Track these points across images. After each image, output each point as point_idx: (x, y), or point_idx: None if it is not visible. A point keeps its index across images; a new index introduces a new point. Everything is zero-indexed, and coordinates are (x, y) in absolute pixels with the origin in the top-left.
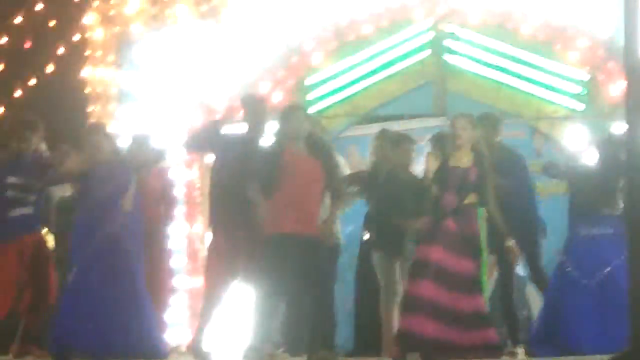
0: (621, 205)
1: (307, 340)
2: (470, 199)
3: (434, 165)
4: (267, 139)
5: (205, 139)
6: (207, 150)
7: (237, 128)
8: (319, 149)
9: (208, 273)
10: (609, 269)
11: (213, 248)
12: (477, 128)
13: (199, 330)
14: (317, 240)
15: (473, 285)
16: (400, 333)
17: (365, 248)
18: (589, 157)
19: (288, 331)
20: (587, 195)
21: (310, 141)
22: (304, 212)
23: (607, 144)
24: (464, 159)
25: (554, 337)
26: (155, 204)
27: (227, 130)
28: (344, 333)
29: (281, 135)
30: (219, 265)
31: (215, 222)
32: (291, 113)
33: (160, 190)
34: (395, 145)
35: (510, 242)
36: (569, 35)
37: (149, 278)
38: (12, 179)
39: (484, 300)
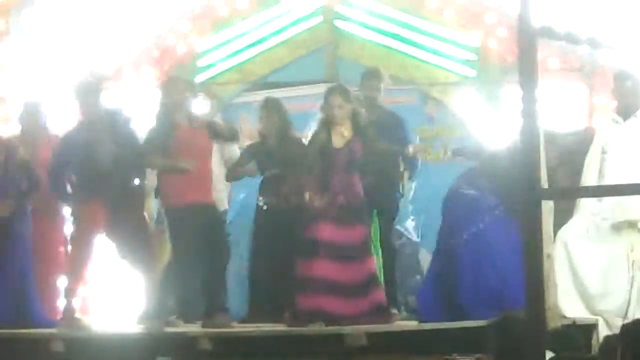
0: None
1: (203, 307)
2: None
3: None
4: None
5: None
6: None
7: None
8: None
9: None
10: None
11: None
12: (354, 98)
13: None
14: (214, 209)
15: (363, 251)
16: (296, 310)
17: (261, 214)
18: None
19: (182, 298)
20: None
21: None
22: (201, 182)
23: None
24: (345, 133)
25: (442, 301)
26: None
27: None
28: (237, 300)
29: (166, 109)
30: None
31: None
32: (170, 85)
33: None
34: (280, 110)
35: None
36: (460, 2)
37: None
38: None
39: (374, 262)
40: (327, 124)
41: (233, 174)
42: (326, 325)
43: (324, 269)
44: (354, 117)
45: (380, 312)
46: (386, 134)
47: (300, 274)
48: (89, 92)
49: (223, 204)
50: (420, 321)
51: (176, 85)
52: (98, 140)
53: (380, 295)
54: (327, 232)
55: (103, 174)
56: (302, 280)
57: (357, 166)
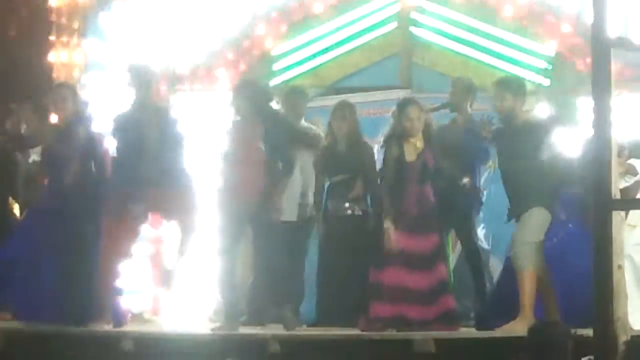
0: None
1: (275, 309)
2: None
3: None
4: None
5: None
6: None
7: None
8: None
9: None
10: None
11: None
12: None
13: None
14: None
15: (435, 258)
16: (371, 317)
17: (329, 219)
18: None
19: (252, 300)
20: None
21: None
22: None
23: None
24: (417, 144)
25: (507, 310)
26: None
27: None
28: (307, 304)
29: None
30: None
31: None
32: (244, 89)
33: None
34: (352, 115)
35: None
36: (536, 11)
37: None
38: None
39: (445, 269)
40: (400, 137)
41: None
42: (398, 331)
43: (397, 276)
44: (425, 128)
45: (449, 319)
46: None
47: (374, 281)
48: (143, 75)
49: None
50: (486, 328)
51: (300, 96)
52: (147, 121)
53: (449, 301)
54: (402, 241)
55: (149, 157)
56: (376, 287)
57: (429, 176)
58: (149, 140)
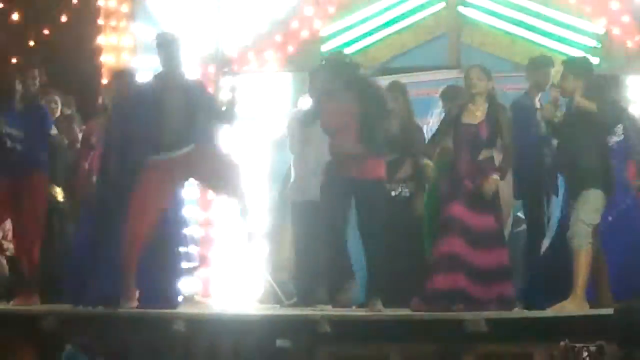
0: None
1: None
2: (485, 154)
3: None
4: None
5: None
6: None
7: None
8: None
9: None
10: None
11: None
12: (491, 79)
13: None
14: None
15: (496, 240)
16: (430, 291)
17: None
18: None
19: (301, 282)
20: None
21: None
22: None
23: None
24: (477, 113)
25: (556, 289)
26: None
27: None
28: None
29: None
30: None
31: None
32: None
33: None
34: (404, 96)
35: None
36: None
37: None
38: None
39: (505, 254)
40: (463, 102)
41: None
42: (456, 308)
43: (459, 246)
44: (490, 99)
45: (506, 304)
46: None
47: (437, 252)
48: (170, 43)
49: None
50: (535, 308)
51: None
52: (171, 89)
53: (508, 288)
54: (459, 211)
55: (172, 128)
56: (438, 258)
57: (482, 146)
58: (171, 110)
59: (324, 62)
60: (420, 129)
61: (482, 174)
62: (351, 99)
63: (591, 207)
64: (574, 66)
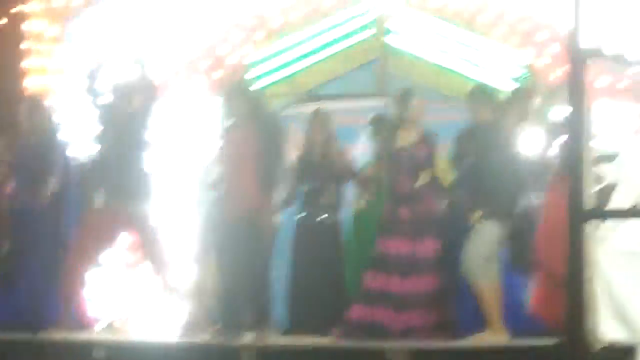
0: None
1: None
2: (423, 178)
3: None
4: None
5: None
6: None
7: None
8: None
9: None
10: None
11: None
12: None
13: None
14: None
15: (431, 266)
16: (349, 321)
17: (301, 226)
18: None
19: (225, 310)
20: None
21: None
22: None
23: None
24: (409, 138)
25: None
26: None
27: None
28: (279, 312)
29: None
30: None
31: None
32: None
33: None
34: (327, 124)
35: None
36: (510, 20)
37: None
38: None
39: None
40: (394, 127)
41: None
42: (376, 339)
43: (393, 284)
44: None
45: (443, 330)
46: None
47: (367, 285)
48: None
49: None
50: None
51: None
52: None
53: (441, 313)
54: (395, 247)
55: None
56: (366, 291)
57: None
58: (123, 148)
59: (229, 91)
60: (345, 156)
61: (421, 199)
62: (252, 130)
63: (485, 240)
64: (478, 95)
